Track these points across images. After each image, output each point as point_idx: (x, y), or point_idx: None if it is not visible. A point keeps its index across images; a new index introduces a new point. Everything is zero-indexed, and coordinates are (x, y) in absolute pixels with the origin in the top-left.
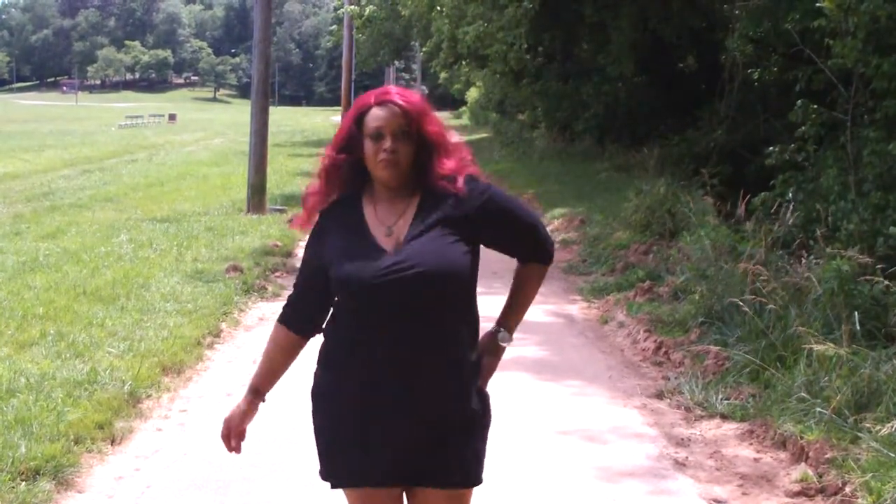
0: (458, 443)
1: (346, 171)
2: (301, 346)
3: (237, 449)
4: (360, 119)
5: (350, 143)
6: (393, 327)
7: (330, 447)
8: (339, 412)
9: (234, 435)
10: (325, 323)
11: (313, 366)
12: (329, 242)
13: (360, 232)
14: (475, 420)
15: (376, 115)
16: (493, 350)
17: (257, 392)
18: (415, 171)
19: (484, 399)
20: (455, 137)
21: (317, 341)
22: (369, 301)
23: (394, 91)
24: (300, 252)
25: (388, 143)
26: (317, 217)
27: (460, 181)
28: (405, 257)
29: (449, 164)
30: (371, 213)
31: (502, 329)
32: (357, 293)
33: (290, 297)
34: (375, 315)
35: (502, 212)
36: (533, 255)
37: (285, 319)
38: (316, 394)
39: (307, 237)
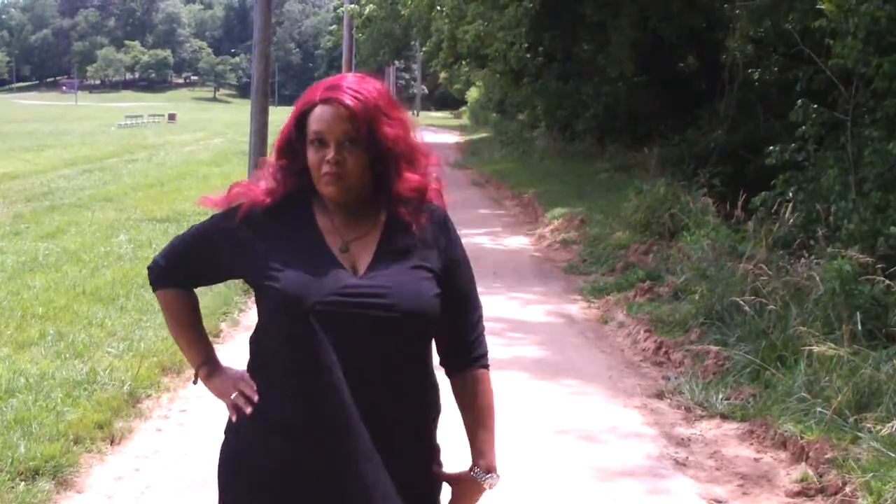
0: None
1: (289, 178)
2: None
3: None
4: (301, 117)
5: (291, 146)
6: (342, 368)
7: None
8: (263, 482)
9: (244, 387)
10: (251, 362)
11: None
12: (262, 245)
13: (309, 239)
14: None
15: (319, 117)
16: (468, 488)
17: (209, 362)
18: (374, 185)
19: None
20: (420, 135)
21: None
22: (316, 328)
23: (345, 83)
24: None
25: (330, 154)
26: (240, 205)
27: (418, 203)
28: (372, 283)
29: (412, 180)
30: (324, 221)
31: (478, 468)
32: (303, 315)
33: (162, 258)
34: (321, 349)
35: (455, 262)
36: (464, 348)
37: (168, 281)
38: (230, 460)
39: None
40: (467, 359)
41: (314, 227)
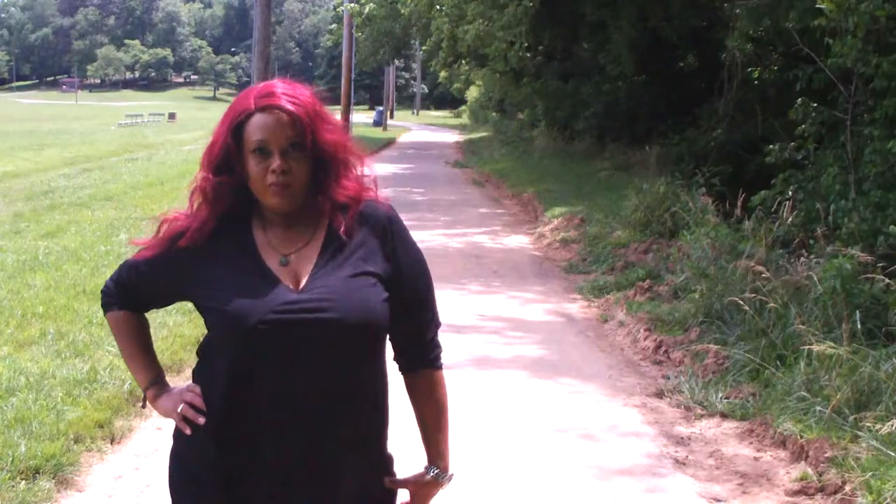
0: None
1: (229, 195)
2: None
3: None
4: (237, 129)
5: (227, 160)
6: (288, 385)
7: None
8: (196, 483)
9: (190, 397)
10: (196, 373)
11: None
12: (202, 268)
13: (247, 256)
14: None
15: (260, 125)
16: (426, 490)
17: (157, 383)
18: (313, 190)
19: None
20: (351, 137)
21: None
22: (260, 346)
23: (279, 89)
24: None
25: (276, 163)
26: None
27: (355, 210)
28: (314, 296)
29: (350, 186)
30: (261, 236)
31: (435, 468)
32: (246, 335)
33: (112, 282)
34: (266, 367)
35: (406, 264)
36: (419, 349)
37: (115, 304)
38: (180, 479)
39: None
40: (423, 360)
41: (251, 243)
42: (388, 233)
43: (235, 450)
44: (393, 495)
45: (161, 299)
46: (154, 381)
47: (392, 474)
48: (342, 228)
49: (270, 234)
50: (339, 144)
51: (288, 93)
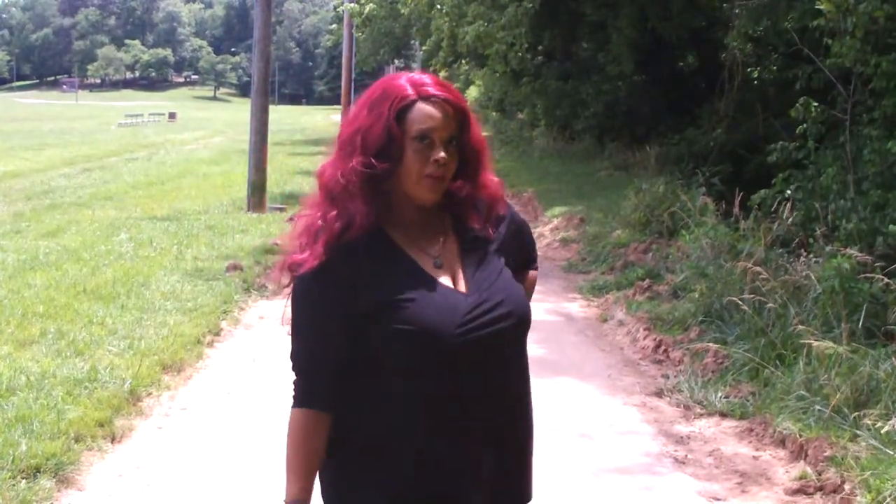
0: None
1: (386, 186)
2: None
3: None
4: (399, 116)
5: (393, 147)
6: (482, 396)
7: None
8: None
9: None
10: (346, 414)
11: None
12: (363, 285)
13: (400, 263)
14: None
15: (425, 114)
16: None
17: (304, 499)
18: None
19: None
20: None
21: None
22: (457, 363)
23: (431, 80)
24: None
25: (440, 154)
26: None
27: (494, 208)
28: (485, 298)
29: (490, 185)
30: (401, 237)
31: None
32: (446, 353)
33: (301, 371)
34: (464, 385)
35: (520, 226)
36: (532, 261)
37: (311, 400)
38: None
39: (298, 294)
40: (530, 262)
41: (396, 247)
42: (521, 233)
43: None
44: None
45: (348, 345)
46: (303, 494)
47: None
48: (477, 223)
49: (410, 234)
50: (484, 143)
51: (444, 85)
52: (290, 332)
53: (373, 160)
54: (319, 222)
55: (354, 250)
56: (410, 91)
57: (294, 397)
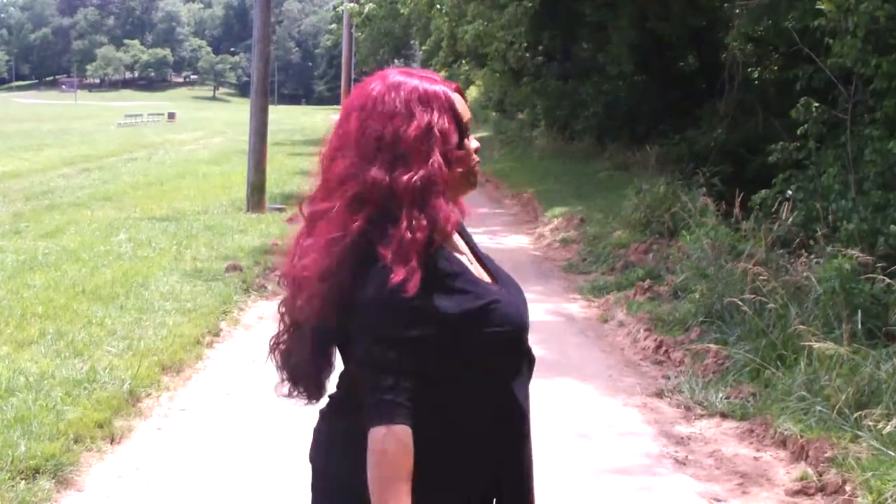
0: None
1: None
2: None
3: None
4: (453, 110)
5: (461, 140)
6: (524, 387)
7: None
8: None
9: None
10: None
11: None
12: (461, 290)
13: (471, 265)
14: None
15: (464, 106)
16: None
17: None
18: None
19: None
20: None
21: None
22: (520, 351)
23: (435, 74)
24: None
25: (477, 143)
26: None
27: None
28: (514, 291)
29: None
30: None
31: None
32: (522, 349)
33: (399, 387)
34: (516, 372)
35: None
36: None
37: (409, 415)
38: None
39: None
40: None
41: (455, 246)
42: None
43: (477, 476)
44: None
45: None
46: None
47: None
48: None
49: None
50: None
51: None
52: (382, 346)
53: (460, 146)
54: (407, 234)
55: (440, 256)
56: (444, 84)
57: (384, 414)
